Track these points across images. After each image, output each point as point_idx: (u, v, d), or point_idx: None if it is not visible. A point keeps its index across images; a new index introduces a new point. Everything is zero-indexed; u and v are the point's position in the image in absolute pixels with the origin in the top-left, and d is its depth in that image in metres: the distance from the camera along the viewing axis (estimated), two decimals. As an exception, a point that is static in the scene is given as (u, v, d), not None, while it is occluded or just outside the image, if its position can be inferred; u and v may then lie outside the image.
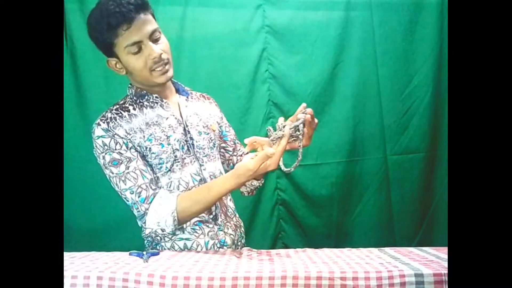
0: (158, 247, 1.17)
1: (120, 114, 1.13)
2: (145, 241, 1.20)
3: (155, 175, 1.14)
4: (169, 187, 1.14)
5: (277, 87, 1.97)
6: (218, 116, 1.34)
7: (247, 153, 1.21)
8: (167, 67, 1.13)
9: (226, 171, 1.25)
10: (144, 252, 1.00)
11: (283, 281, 0.80)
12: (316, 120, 1.07)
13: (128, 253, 1.02)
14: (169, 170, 1.14)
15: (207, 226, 1.18)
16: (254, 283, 0.80)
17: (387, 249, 1.06)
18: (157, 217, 1.09)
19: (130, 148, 1.11)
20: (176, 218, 1.09)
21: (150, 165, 1.14)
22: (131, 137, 1.12)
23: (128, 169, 1.10)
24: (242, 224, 1.32)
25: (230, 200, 1.29)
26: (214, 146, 1.25)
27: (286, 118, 1.07)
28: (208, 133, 1.24)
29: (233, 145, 1.35)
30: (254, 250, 1.12)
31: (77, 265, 0.89)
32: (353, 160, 1.99)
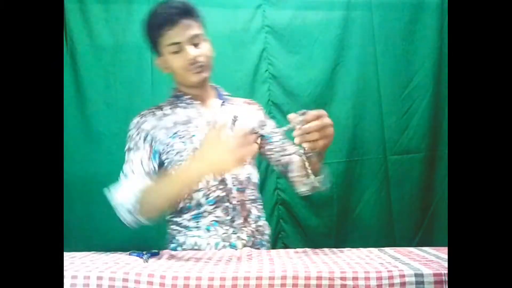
0: (173, 241, 1.21)
1: (153, 112, 1.24)
2: (166, 235, 1.24)
3: (157, 171, 1.18)
4: None
5: (277, 87, 1.97)
6: (258, 121, 1.34)
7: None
8: (202, 69, 1.22)
9: (277, 173, 1.25)
10: (144, 252, 1.01)
11: (283, 281, 0.80)
12: (313, 127, 0.98)
13: (128, 253, 1.02)
14: None
15: (222, 228, 1.19)
16: (254, 283, 0.80)
17: (387, 249, 1.05)
18: (124, 191, 1.12)
19: (146, 142, 1.19)
20: (138, 198, 1.09)
21: (161, 163, 1.19)
22: (153, 132, 1.20)
23: (133, 155, 1.18)
24: (267, 231, 1.31)
25: (255, 207, 1.28)
26: None
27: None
28: None
29: (281, 146, 1.34)
30: (254, 250, 1.12)
31: (77, 265, 0.89)
32: (353, 160, 1.98)
